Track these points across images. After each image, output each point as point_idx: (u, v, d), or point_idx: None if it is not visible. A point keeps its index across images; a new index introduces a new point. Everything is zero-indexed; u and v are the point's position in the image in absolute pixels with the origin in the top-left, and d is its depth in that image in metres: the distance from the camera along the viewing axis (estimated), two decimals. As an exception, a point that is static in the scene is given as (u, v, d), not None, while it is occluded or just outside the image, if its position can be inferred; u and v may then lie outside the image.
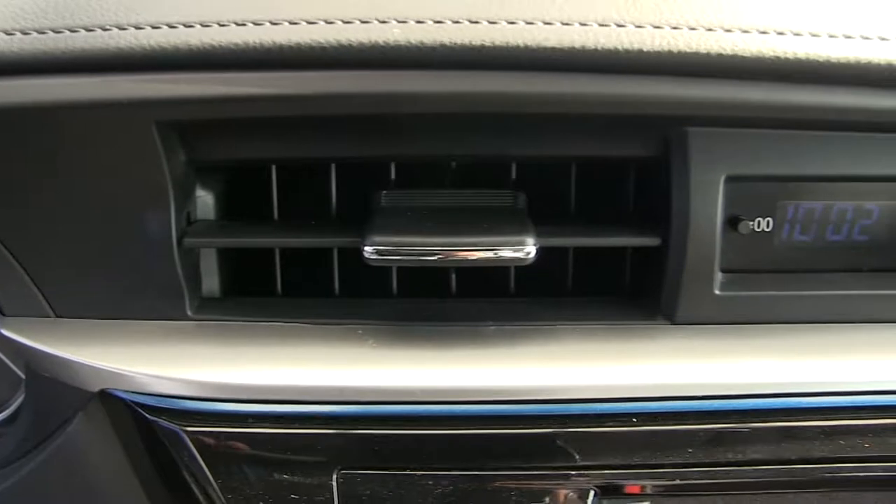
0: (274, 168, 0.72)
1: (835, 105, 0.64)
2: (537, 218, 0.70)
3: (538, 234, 0.65)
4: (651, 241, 0.68)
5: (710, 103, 0.63)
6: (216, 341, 0.68)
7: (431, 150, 0.70)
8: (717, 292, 0.68)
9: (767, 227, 0.71)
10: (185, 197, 0.69)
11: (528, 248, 0.64)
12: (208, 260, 0.73)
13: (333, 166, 0.72)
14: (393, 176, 0.72)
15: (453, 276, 0.73)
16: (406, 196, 0.71)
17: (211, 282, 0.73)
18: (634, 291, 0.73)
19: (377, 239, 0.64)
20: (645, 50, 0.59)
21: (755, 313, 0.70)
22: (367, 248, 0.64)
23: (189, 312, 0.69)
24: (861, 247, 0.73)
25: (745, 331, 0.69)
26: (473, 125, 0.69)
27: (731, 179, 0.68)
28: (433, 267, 0.71)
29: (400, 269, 0.73)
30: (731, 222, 0.70)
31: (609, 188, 0.74)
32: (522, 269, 0.74)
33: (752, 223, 0.70)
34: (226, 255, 0.74)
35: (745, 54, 0.60)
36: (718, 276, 0.70)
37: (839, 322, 0.71)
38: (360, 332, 0.68)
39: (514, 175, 0.73)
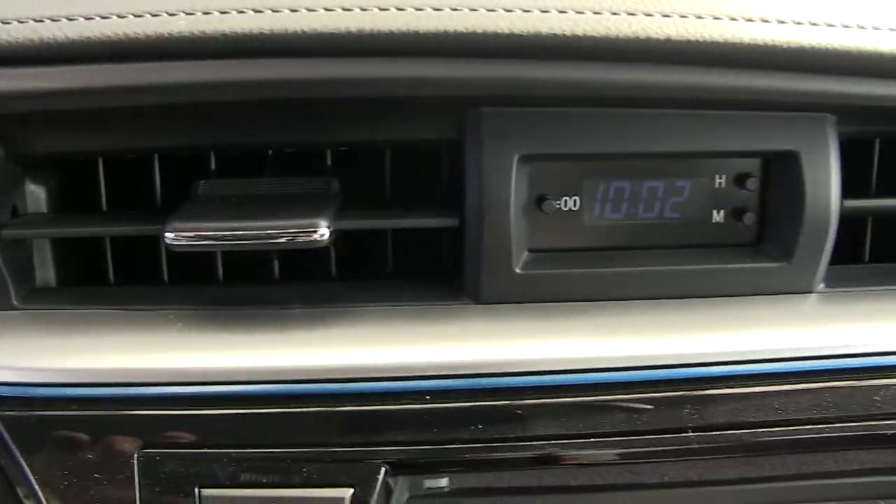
0: (101, 160, 0.74)
1: (627, 82, 0.65)
2: (354, 203, 0.71)
3: (337, 219, 0.67)
4: (449, 222, 0.69)
5: (498, 82, 0.65)
6: (36, 329, 0.70)
7: (244, 140, 0.72)
8: (518, 271, 0.70)
9: (574, 205, 0.72)
10: (8, 191, 0.72)
11: (322, 231, 0.65)
12: (42, 251, 0.75)
13: (156, 157, 0.74)
14: (213, 166, 0.74)
15: (275, 261, 0.75)
16: (223, 185, 0.73)
17: (45, 272, 0.76)
18: (448, 273, 0.74)
19: (177, 225, 0.66)
20: (427, 32, 0.61)
21: (560, 291, 0.71)
22: (167, 235, 0.66)
23: (15, 302, 0.72)
24: (673, 223, 0.73)
25: (549, 308, 0.70)
26: (285, 113, 0.71)
27: (527, 159, 0.69)
28: (260, 253, 0.73)
29: (226, 256, 0.75)
30: (537, 201, 0.71)
31: (428, 171, 0.75)
32: (349, 253, 0.76)
33: (557, 202, 0.71)
34: (61, 247, 0.76)
35: (523, 33, 0.62)
36: (523, 254, 0.71)
37: (650, 298, 0.72)
38: (171, 317, 0.70)
39: (329, 162, 0.74)
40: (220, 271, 0.75)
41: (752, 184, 0.73)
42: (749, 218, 0.73)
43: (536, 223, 0.71)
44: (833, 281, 0.76)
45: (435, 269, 0.76)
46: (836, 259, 0.77)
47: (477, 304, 0.71)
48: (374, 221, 0.69)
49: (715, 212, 0.74)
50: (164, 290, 0.75)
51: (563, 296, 0.71)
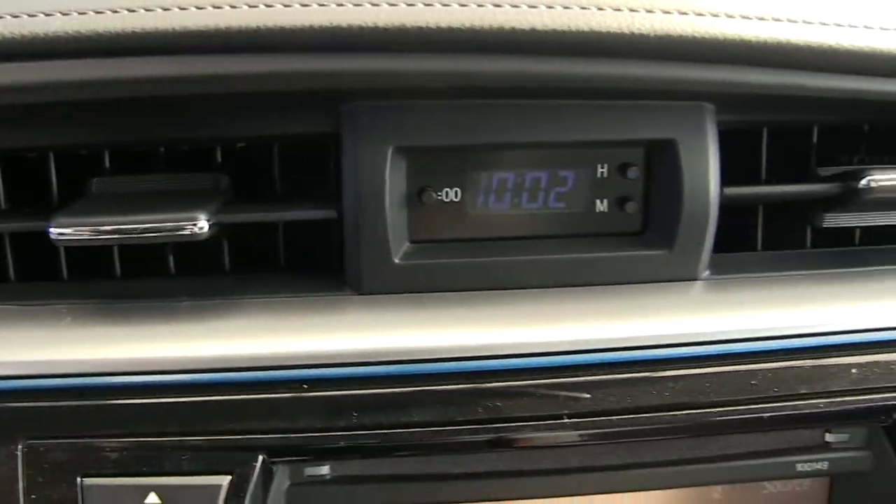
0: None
1: (495, 73, 0.67)
2: (244, 198, 0.73)
3: (217, 213, 0.68)
4: (328, 214, 0.71)
5: (366, 76, 0.66)
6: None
7: (134, 137, 0.74)
8: (397, 261, 0.71)
9: (456, 196, 0.73)
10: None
11: (201, 224, 0.67)
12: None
13: (52, 156, 0.75)
14: (107, 164, 0.76)
15: (170, 256, 0.77)
16: (115, 182, 0.75)
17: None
18: (336, 264, 0.76)
19: (61, 221, 0.68)
20: (292, 27, 0.62)
21: (441, 281, 0.72)
22: (52, 230, 0.67)
23: None
24: (557, 213, 0.75)
25: (429, 298, 0.72)
26: (168, 111, 0.72)
27: (404, 151, 0.70)
28: (155, 248, 0.75)
29: (125, 252, 0.77)
30: (418, 193, 0.72)
31: (320, 165, 0.77)
32: (245, 248, 0.78)
33: (438, 193, 0.73)
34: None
35: (388, 26, 0.63)
36: (404, 245, 0.72)
37: (534, 287, 0.73)
38: (63, 311, 0.71)
39: (219, 159, 0.76)
40: (118, 267, 0.76)
41: (634, 173, 0.74)
42: (632, 206, 0.75)
43: (418, 214, 0.72)
44: (719, 268, 0.77)
45: (329, 262, 0.77)
46: (735, 247, 0.78)
47: (358, 294, 0.72)
48: (252, 215, 0.71)
49: (598, 201, 0.75)
50: (63, 286, 0.76)
51: (444, 286, 0.72)
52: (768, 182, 0.80)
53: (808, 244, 0.83)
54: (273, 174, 0.75)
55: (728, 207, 0.76)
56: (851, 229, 0.84)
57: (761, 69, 0.70)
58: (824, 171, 0.78)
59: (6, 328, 0.70)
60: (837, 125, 0.82)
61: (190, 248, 0.74)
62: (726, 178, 0.75)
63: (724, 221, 0.76)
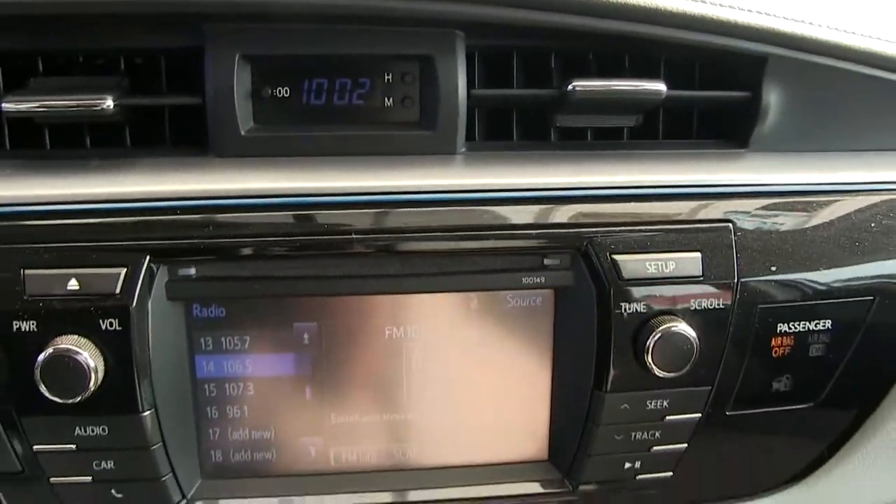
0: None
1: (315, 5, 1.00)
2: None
3: (117, 98, 1.01)
4: (195, 100, 1.04)
5: (221, 5, 0.99)
6: None
7: (58, 45, 1.06)
8: (243, 134, 1.05)
9: (287, 93, 1.07)
10: None
11: (108, 103, 1.00)
12: None
13: None
14: (40, 68, 1.08)
15: (87, 135, 1.09)
16: (47, 81, 1.07)
17: None
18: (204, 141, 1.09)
19: (10, 98, 1.00)
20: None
21: (275, 149, 1.06)
22: (4, 105, 1.00)
23: None
24: (359, 107, 1.09)
25: (267, 160, 1.05)
26: (88, 26, 1.05)
27: (248, 58, 1.04)
28: (79, 126, 1.08)
29: (53, 130, 1.09)
30: (258, 89, 1.06)
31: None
32: (143, 128, 1.10)
33: (273, 90, 1.07)
34: None
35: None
36: (249, 125, 1.06)
37: (340, 155, 1.08)
38: (6, 165, 1.03)
39: (122, 66, 1.08)
40: (48, 141, 1.08)
41: (410, 79, 1.09)
42: (409, 103, 1.09)
43: (258, 104, 1.06)
44: (476, 148, 1.12)
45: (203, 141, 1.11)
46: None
47: (218, 157, 1.06)
48: (143, 99, 1.04)
49: (387, 99, 1.09)
50: (6, 152, 1.07)
51: (277, 153, 1.06)
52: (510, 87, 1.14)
53: (553, 140, 1.17)
54: (161, 77, 1.08)
55: (485, 106, 1.10)
56: (585, 130, 1.19)
57: (495, 7, 1.04)
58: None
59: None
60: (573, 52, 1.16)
61: (101, 127, 1.07)
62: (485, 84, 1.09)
63: (490, 120, 1.10)
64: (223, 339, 1.05)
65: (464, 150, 1.10)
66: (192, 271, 1.00)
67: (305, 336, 1.06)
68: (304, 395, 1.08)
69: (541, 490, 1.11)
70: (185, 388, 1.05)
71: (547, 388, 1.10)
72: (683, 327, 1.02)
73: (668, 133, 1.17)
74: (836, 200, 1.09)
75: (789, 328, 1.09)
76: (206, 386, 1.07)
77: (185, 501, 1.06)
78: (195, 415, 1.07)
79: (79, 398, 0.96)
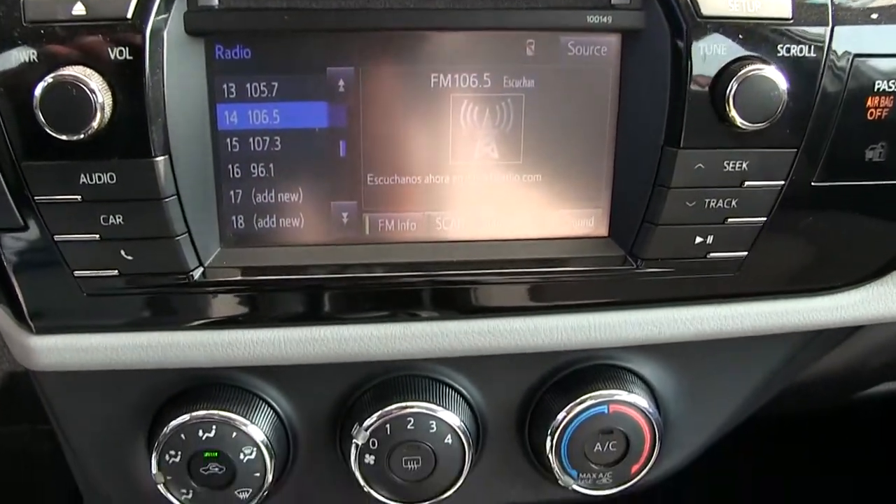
0: None
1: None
2: None
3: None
4: None
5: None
6: None
7: None
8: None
9: None
10: None
11: None
12: None
13: None
14: None
15: None
16: None
17: None
18: None
19: None
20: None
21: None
22: None
23: None
24: None
25: None
26: None
27: None
28: None
29: None
30: None
31: None
32: None
33: None
34: None
35: None
36: None
37: None
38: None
39: None
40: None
41: None
42: None
43: None
44: None
45: None
46: None
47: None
48: None
49: None
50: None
51: None
52: None
53: None
54: None
55: None
56: None
57: None
58: None
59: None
60: None
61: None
62: None
63: None
64: (248, 85, 0.93)
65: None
66: (215, 1, 0.87)
67: (341, 83, 0.94)
68: (338, 152, 0.96)
69: (600, 267, 0.99)
70: (205, 142, 0.94)
71: (610, 150, 0.98)
72: (771, 71, 0.89)
73: None
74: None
75: (889, 87, 0.95)
76: (229, 140, 0.95)
77: (201, 269, 0.94)
78: (215, 174, 0.95)
79: (82, 135, 0.84)
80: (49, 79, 0.83)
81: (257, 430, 1.04)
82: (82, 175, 0.88)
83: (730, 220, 0.97)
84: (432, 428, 1.04)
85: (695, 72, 0.90)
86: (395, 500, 1.08)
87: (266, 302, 0.97)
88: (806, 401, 1.40)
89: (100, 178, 0.89)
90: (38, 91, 0.83)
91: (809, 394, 1.29)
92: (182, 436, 1.03)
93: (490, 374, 1.08)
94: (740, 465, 1.94)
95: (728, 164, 0.94)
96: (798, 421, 1.91)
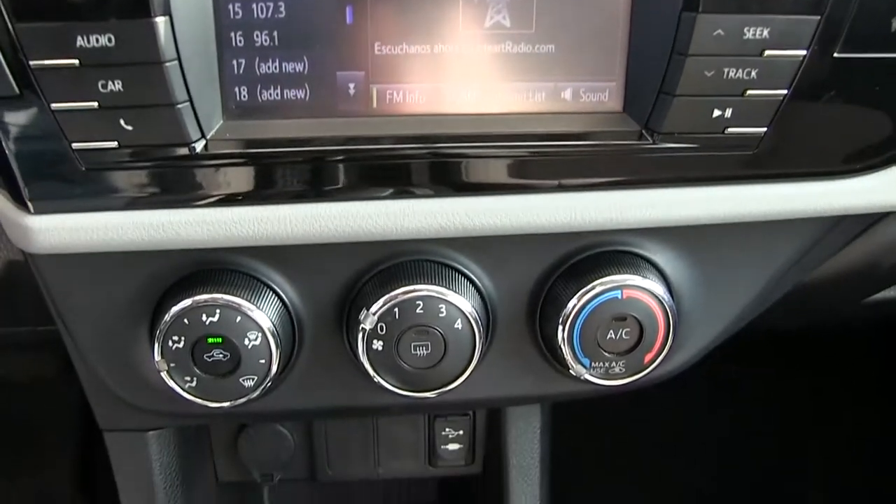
0: None
1: None
2: None
3: None
4: None
5: None
6: None
7: None
8: None
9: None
10: None
11: None
12: None
13: None
14: None
15: None
16: None
17: None
18: None
19: None
20: None
21: None
22: None
23: None
24: None
25: None
26: None
27: None
28: None
29: None
30: None
31: None
32: None
33: None
34: None
35: None
36: None
37: None
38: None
39: None
40: None
41: None
42: None
43: None
44: None
45: None
46: None
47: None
48: None
49: None
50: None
51: None
52: None
53: None
54: None
55: None
56: None
57: None
58: None
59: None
60: None
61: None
62: None
63: None
64: (251, -53, 0.88)
65: None
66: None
67: (348, -59, 0.89)
68: (344, 19, 0.92)
69: (615, 142, 0.96)
70: (207, 7, 0.89)
71: (626, 18, 0.94)
72: (795, -70, 0.84)
73: None
74: None
75: (917, -48, 0.91)
76: (231, 6, 0.91)
77: (203, 141, 0.91)
78: (217, 42, 0.91)
79: (79, -7, 0.79)
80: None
81: (262, 315, 1.01)
82: (80, 37, 0.85)
83: (749, 92, 0.93)
84: (442, 312, 1.01)
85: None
86: (403, 389, 1.05)
87: (270, 176, 0.94)
88: (813, 306, 1.37)
89: (98, 41, 0.85)
90: (33, -54, 0.78)
91: (817, 297, 1.26)
92: (185, 320, 1.00)
93: (500, 259, 1.05)
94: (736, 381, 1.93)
95: (748, 31, 0.90)
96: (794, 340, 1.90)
